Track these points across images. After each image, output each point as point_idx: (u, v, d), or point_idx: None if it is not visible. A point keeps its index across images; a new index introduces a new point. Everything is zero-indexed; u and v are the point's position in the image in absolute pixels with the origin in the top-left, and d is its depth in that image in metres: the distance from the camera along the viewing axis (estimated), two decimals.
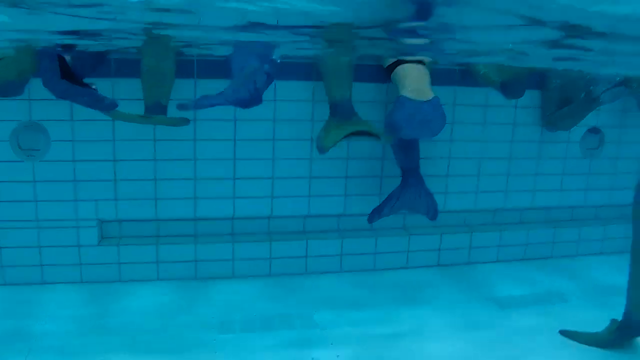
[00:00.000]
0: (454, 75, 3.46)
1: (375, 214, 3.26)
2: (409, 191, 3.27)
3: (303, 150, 3.34)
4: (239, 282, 3.30)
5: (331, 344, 2.66)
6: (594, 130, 3.78)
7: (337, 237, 3.47)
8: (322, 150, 3.03)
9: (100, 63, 3.02)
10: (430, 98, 3.04)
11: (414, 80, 3.09)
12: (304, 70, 3.24)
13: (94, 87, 2.69)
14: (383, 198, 3.27)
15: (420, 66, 3.15)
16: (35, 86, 2.74)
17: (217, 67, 3.12)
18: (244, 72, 2.63)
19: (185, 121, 2.83)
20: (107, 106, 2.66)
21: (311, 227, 3.50)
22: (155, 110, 2.87)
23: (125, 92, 2.96)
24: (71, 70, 2.62)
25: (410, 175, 3.27)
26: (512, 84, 3.23)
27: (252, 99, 2.71)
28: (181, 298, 3.11)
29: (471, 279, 3.44)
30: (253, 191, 3.32)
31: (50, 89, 2.60)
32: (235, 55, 2.93)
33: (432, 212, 3.26)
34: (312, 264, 3.42)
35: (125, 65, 3.04)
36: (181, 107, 2.69)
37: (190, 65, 3.13)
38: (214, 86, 2.75)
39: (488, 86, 3.33)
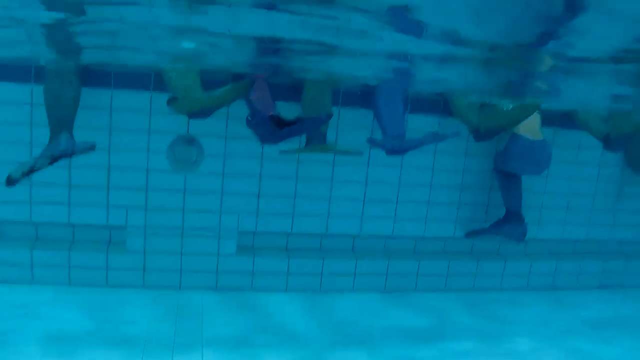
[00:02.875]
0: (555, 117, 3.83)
1: (475, 234, 3.72)
2: (507, 230, 3.66)
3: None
4: (360, 295, 3.57)
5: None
6: None
7: (444, 258, 3.78)
8: None
9: None
10: (541, 139, 3.43)
11: (527, 121, 3.46)
12: (433, 105, 3.57)
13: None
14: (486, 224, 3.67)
15: None
16: None
17: (358, 99, 3.42)
18: (428, 135, 3.15)
19: (359, 153, 3.12)
20: (324, 120, 2.95)
21: (422, 248, 3.81)
22: (317, 138, 3.15)
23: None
24: (280, 117, 2.89)
25: (513, 218, 3.64)
26: (618, 141, 3.61)
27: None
28: (313, 307, 3.36)
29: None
30: (377, 211, 3.61)
31: (271, 143, 3.05)
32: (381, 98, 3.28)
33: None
34: (421, 281, 3.73)
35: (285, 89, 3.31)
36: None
37: (337, 95, 3.41)
38: (355, 114, 3.29)
39: (586, 131, 3.71)
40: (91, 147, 2.76)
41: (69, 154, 2.70)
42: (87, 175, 3.24)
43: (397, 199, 3.63)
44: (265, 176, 3.41)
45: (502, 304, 3.67)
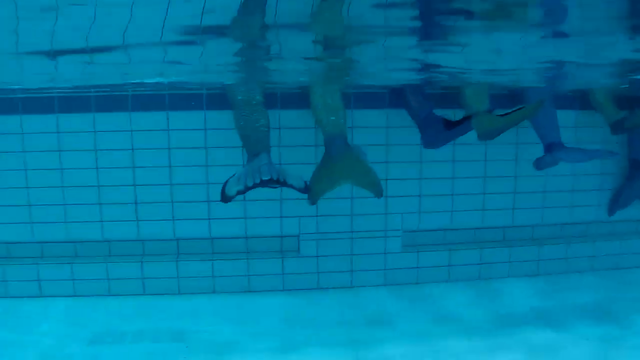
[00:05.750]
0: None
1: (615, 206, 3.81)
2: (638, 182, 3.75)
3: None
4: (515, 281, 3.77)
5: None
6: None
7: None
8: None
9: None
10: None
11: None
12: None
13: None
14: None
15: None
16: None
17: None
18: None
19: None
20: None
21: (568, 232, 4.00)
22: None
23: None
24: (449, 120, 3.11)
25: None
26: None
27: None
28: (478, 294, 3.59)
29: None
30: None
31: (434, 147, 3.21)
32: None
33: None
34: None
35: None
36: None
37: None
38: None
39: None
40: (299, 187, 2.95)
41: (273, 177, 2.91)
42: (260, 189, 3.48)
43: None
44: (425, 178, 3.61)
45: None
